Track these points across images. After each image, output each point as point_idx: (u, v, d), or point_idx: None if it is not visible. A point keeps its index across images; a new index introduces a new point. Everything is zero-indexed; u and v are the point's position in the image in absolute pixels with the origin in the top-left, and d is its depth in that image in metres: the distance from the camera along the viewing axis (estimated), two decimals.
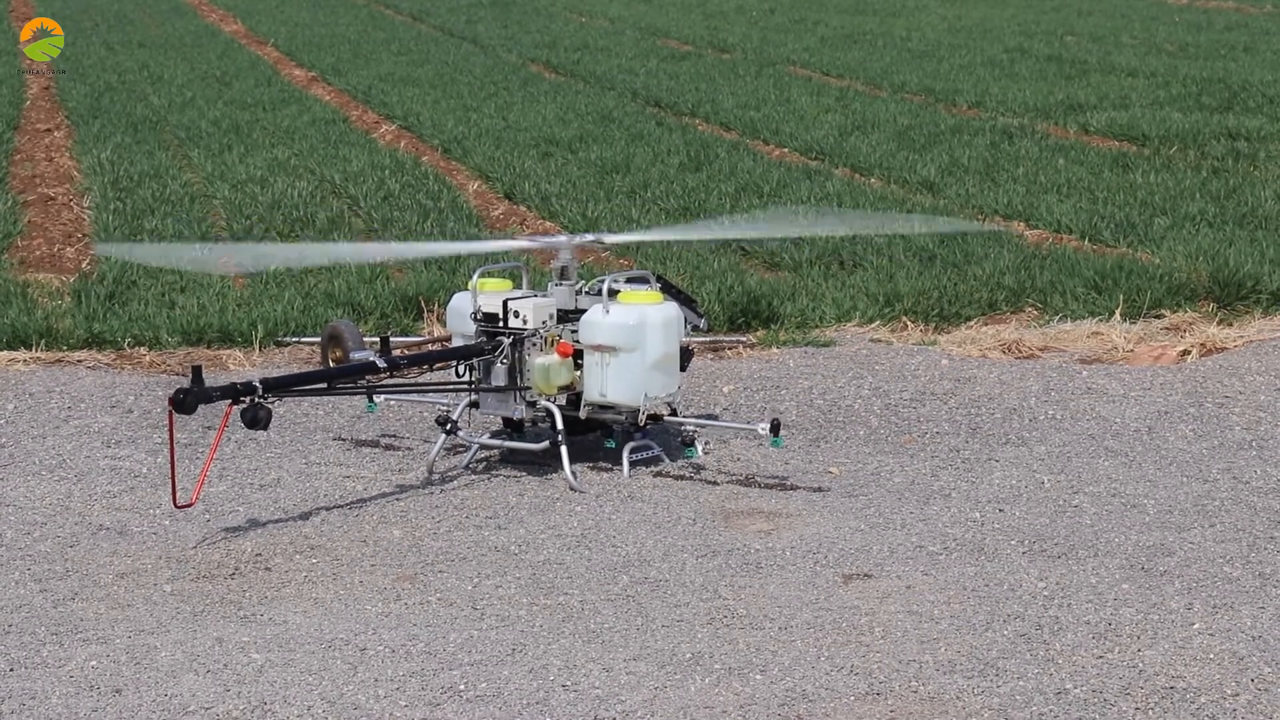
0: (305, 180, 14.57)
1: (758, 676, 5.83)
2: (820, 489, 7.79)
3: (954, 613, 6.35)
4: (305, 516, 7.40)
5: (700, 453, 8.03)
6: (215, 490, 7.69)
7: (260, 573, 6.76)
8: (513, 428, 8.11)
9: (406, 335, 10.16)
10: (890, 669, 5.87)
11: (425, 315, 10.56)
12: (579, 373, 7.96)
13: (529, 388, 7.91)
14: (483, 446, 8.10)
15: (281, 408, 8.33)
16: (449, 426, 7.94)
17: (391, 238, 12.52)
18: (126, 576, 6.71)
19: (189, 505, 7.24)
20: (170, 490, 7.19)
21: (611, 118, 18.15)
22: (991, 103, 18.85)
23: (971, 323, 10.65)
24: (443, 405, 8.34)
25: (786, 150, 16.47)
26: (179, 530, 7.23)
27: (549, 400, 7.92)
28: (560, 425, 7.84)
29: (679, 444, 8.03)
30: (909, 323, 10.62)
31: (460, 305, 8.11)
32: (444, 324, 8.92)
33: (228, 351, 9.88)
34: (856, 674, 5.84)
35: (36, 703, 5.64)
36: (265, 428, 7.21)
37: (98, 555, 6.94)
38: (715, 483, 7.87)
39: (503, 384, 7.91)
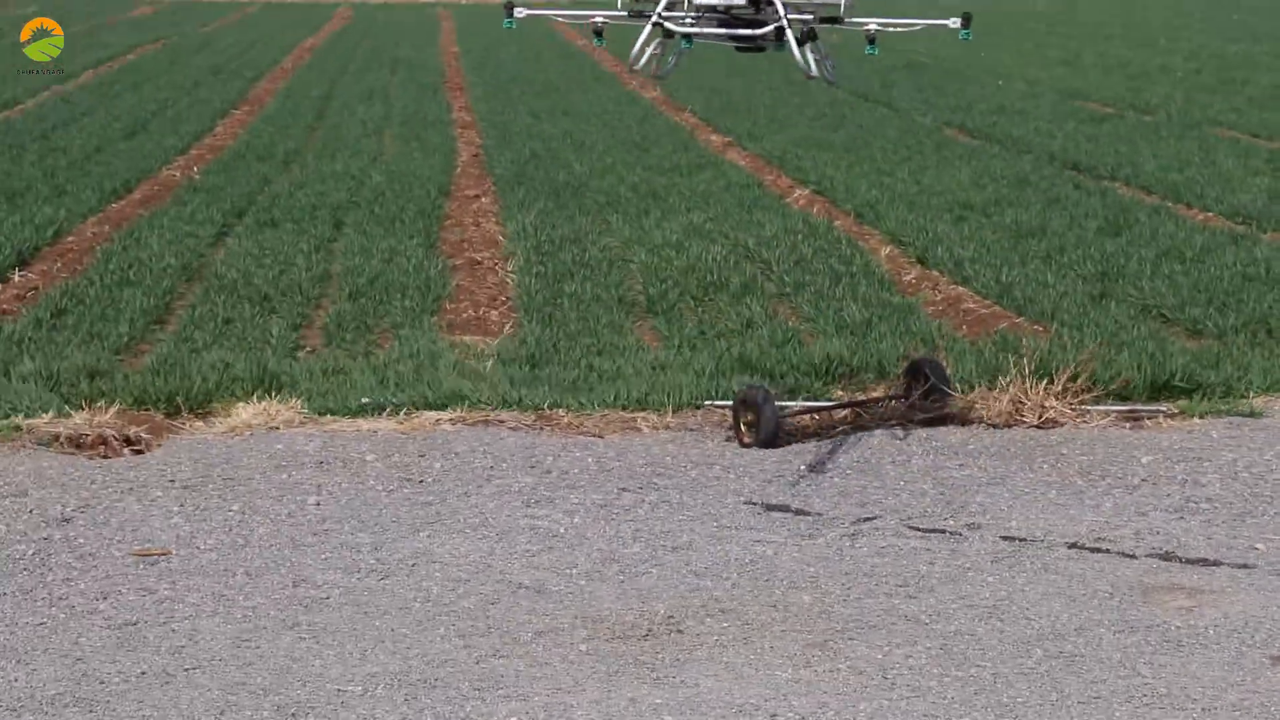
0: (720, 244, 14.76)
1: None
2: (1246, 565, 7.52)
3: None
4: (716, 579, 7.47)
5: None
6: (629, 551, 7.82)
7: (672, 635, 6.84)
8: None
9: (817, 400, 10.18)
10: None
11: (836, 381, 10.57)
12: None
13: None
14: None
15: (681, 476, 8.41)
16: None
17: (803, 302, 12.59)
18: (544, 635, 6.87)
19: None
20: None
21: (1028, 181, 17.93)
22: None
23: None
24: None
25: (1211, 214, 16.02)
26: (594, 590, 7.37)
27: None
28: None
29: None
30: None
31: None
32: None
33: (641, 414, 10.04)
34: None
35: None
36: None
37: (517, 613, 7.12)
38: (1133, 556, 7.67)
39: None
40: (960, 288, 13.17)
